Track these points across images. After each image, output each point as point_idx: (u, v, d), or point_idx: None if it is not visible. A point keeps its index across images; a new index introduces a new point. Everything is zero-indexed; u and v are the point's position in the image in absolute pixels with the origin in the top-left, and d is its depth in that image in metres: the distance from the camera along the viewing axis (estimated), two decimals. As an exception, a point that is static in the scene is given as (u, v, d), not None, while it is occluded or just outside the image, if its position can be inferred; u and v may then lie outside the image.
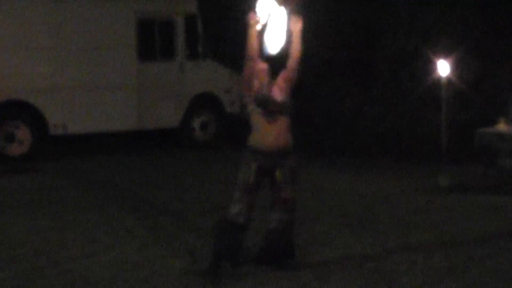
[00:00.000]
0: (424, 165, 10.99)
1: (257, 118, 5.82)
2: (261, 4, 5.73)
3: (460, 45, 11.82)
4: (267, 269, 5.86)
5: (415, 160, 11.54)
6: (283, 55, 5.92)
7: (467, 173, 10.26)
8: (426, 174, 10.31)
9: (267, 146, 5.78)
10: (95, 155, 12.75)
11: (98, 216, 7.94)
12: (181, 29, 13.39)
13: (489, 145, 9.47)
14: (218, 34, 15.21)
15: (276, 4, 5.77)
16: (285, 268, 5.86)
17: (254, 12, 5.71)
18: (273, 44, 5.87)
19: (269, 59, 5.88)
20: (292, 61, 5.91)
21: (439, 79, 9.80)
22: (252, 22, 5.71)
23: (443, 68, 9.69)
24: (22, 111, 12.11)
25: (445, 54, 10.23)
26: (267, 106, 5.77)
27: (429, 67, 10.84)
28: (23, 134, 12.12)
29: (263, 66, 5.88)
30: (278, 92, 5.85)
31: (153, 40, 13.21)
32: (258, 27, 5.72)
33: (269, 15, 5.77)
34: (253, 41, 5.74)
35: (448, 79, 9.77)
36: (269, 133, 5.78)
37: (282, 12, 5.80)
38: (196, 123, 13.79)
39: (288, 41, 5.88)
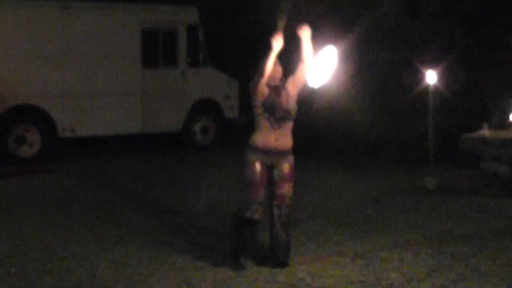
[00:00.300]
0: (412, 168, 10.99)
1: (262, 121, 5.82)
2: (281, 27, 5.72)
3: (446, 55, 11.86)
4: (264, 264, 5.87)
5: (403, 163, 11.55)
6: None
7: (452, 175, 10.26)
8: (413, 176, 10.31)
9: (268, 147, 5.79)
10: (102, 157, 12.74)
11: (104, 214, 7.95)
12: (183, 38, 13.41)
13: (473, 149, 9.48)
14: (218, 44, 15.23)
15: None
16: (282, 264, 5.87)
17: (278, 35, 5.68)
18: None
19: None
20: (303, 65, 5.88)
21: (426, 87, 9.83)
22: (275, 44, 5.67)
23: (431, 77, 9.72)
24: (33, 115, 12.11)
25: (432, 64, 10.26)
26: (274, 113, 5.79)
27: (417, 76, 10.86)
28: (33, 136, 12.13)
29: (276, 75, 5.88)
30: (286, 99, 5.86)
31: (157, 49, 13.23)
32: (277, 48, 5.71)
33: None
34: (271, 61, 5.72)
35: (435, 87, 9.79)
36: (271, 136, 5.80)
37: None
38: (197, 127, 13.81)
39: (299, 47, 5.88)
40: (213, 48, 14.30)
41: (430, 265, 5.98)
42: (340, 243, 6.66)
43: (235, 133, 13.36)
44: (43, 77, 12.10)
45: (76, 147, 13.29)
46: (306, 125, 13.93)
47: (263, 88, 5.80)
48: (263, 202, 5.82)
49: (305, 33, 5.81)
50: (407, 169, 11.05)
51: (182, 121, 13.51)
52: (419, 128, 11.63)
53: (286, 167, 5.86)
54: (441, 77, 10.03)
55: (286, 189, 5.86)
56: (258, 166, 5.80)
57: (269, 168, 5.85)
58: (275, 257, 5.89)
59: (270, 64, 5.73)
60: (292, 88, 5.90)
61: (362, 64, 14.88)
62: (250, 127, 6.06)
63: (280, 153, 5.83)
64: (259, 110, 5.82)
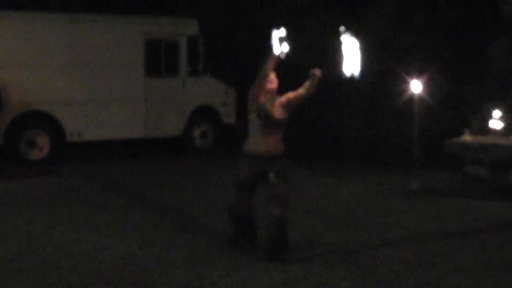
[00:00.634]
0: (398, 171, 11.01)
1: (255, 128, 5.86)
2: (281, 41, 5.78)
3: (430, 66, 11.88)
4: (258, 261, 5.86)
5: (390, 167, 11.56)
6: None
7: (436, 178, 10.28)
8: (399, 179, 10.32)
9: (260, 153, 5.83)
10: (107, 160, 12.71)
11: (109, 214, 7.92)
12: (184, 48, 13.41)
13: (455, 153, 9.49)
14: (217, 54, 15.23)
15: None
16: (277, 260, 5.86)
17: (281, 46, 5.74)
18: None
19: None
20: (303, 93, 5.99)
21: (412, 96, 9.84)
22: (276, 54, 5.74)
23: (416, 86, 9.74)
24: (42, 120, 12.09)
25: (417, 74, 10.27)
26: (266, 121, 5.82)
27: (403, 85, 10.88)
28: (43, 140, 12.10)
29: (272, 86, 5.92)
30: (279, 110, 5.89)
31: (159, 59, 13.22)
32: (276, 57, 5.75)
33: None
34: (269, 67, 5.77)
35: (420, 96, 9.81)
36: (263, 143, 5.83)
37: None
38: (197, 132, 13.80)
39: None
40: (212, 57, 14.30)
41: (415, 262, 5.98)
42: (331, 242, 6.66)
43: (232, 138, 13.36)
44: (52, 85, 12.08)
45: (83, 151, 13.27)
46: (298, 131, 13.93)
47: (260, 92, 5.81)
48: (247, 201, 6.02)
49: (317, 75, 5.92)
50: (393, 172, 11.06)
51: (183, 126, 13.51)
52: (405, 134, 11.64)
53: (278, 170, 5.88)
54: (426, 86, 10.04)
55: (280, 189, 5.87)
56: (248, 170, 5.88)
57: (263, 172, 5.87)
58: (271, 252, 5.90)
59: (269, 70, 5.76)
60: (285, 103, 5.96)
61: (352, 74, 14.86)
62: (245, 132, 6.10)
63: (272, 158, 5.86)
64: (253, 116, 5.84)
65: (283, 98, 5.97)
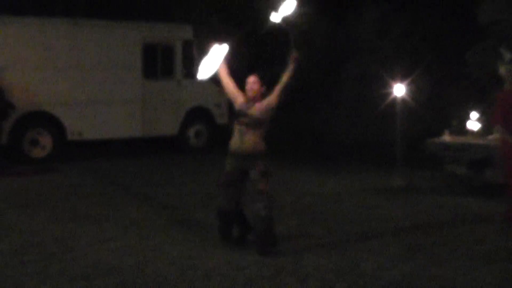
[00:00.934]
0: (382, 169, 11.03)
1: (236, 127, 5.93)
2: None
3: (413, 70, 11.91)
4: (250, 255, 5.85)
5: (374, 165, 11.58)
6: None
7: (417, 176, 10.30)
8: (383, 176, 10.34)
9: (241, 151, 5.87)
10: (106, 158, 12.68)
11: (108, 209, 7.89)
12: (179, 52, 13.39)
13: (435, 152, 9.52)
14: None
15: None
16: (266, 254, 5.85)
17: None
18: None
19: None
20: (278, 88, 5.93)
21: (395, 98, 9.86)
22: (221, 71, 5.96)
23: (399, 89, 9.76)
24: (45, 120, 12.04)
25: (400, 77, 10.29)
26: (243, 119, 5.85)
27: (387, 88, 10.91)
28: (45, 139, 12.05)
29: (250, 94, 5.94)
30: (258, 109, 5.90)
31: (156, 62, 13.20)
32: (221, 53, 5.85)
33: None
34: (221, 72, 5.99)
35: (403, 98, 9.82)
36: (242, 141, 5.87)
37: None
38: (191, 132, 13.79)
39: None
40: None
41: (398, 254, 5.98)
42: (318, 236, 6.65)
43: (225, 137, 13.35)
44: (54, 87, 12.04)
45: (84, 149, 13.22)
46: (285, 130, 13.94)
47: (232, 95, 6.00)
48: (232, 198, 5.99)
49: (295, 62, 5.86)
50: (377, 170, 11.08)
51: (178, 126, 13.49)
52: (388, 134, 11.67)
53: (260, 167, 5.87)
54: (408, 89, 10.06)
55: (262, 185, 5.88)
56: (229, 168, 5.96)
57: (245, 170, 5.90)
58: (261, 245, 5.89)
59: (223, 72, 5.96)
60: (266, 103, 5.93)
61: (339, 78, 14.92)
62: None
63: (251, 156, 5.86)
64: (234, 116, 5.95)
65: (265, 101, 5.95)
